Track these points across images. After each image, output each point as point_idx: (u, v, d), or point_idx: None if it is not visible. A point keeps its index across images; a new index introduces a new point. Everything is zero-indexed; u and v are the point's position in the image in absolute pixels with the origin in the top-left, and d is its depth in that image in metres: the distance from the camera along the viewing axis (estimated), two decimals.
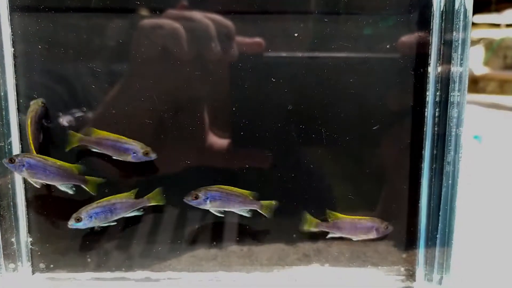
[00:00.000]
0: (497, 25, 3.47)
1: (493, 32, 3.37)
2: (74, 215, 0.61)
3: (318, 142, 0.65)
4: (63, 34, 0.62)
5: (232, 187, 0.64)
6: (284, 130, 0.65)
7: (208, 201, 0.63)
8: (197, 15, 0.61)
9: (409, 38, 0.62)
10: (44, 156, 0.60)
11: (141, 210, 0.66)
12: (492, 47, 3.33)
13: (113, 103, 0.64)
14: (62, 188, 0.62)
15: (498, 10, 3.44)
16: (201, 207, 0.63)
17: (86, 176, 0.64)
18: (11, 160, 0.59)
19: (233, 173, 0.67)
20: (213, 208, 0.64)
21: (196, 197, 0.62)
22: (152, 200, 0.65)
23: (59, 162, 0.61)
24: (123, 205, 0.63)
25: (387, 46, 0.63)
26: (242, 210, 0.65)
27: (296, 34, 0.62)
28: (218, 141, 0.65)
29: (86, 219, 0.61)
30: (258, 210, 0.65)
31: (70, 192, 0.63)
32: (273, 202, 0.66)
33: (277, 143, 0.66)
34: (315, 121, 0.65)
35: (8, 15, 0.61)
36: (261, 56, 0.63)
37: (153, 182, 0.66)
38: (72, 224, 0.62)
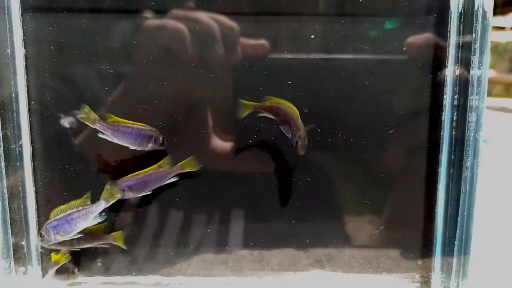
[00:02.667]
0: (502, 28, 3.46)
1: (499, 35, 3.36)
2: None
3: (334, 146, 0.64)
4: (75, 35, 0.61)
5: None
6: None
7: None
8: (202, 16, 0.60)
9: (426, 40, 0.61)
10: None
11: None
12: (497, 50, 3.32)
13: (116, 105, 0.63)
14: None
15: (503, 13, 3.44)
16: None
17: None
18: None
19: (238, 176, 0.66)
20: None
21: None
22: None
23: None
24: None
25: (404, 48, 0.62)
26: None
27: (312, 36, 0.62)
28: (221, 144, 0.64)
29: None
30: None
31: None
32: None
33: (291, 146, 0.64)
34: (331, 124, 0.64)
35: (20, 16, 0.61)
36: (272, 58, 0.62)
37: None
38: None
